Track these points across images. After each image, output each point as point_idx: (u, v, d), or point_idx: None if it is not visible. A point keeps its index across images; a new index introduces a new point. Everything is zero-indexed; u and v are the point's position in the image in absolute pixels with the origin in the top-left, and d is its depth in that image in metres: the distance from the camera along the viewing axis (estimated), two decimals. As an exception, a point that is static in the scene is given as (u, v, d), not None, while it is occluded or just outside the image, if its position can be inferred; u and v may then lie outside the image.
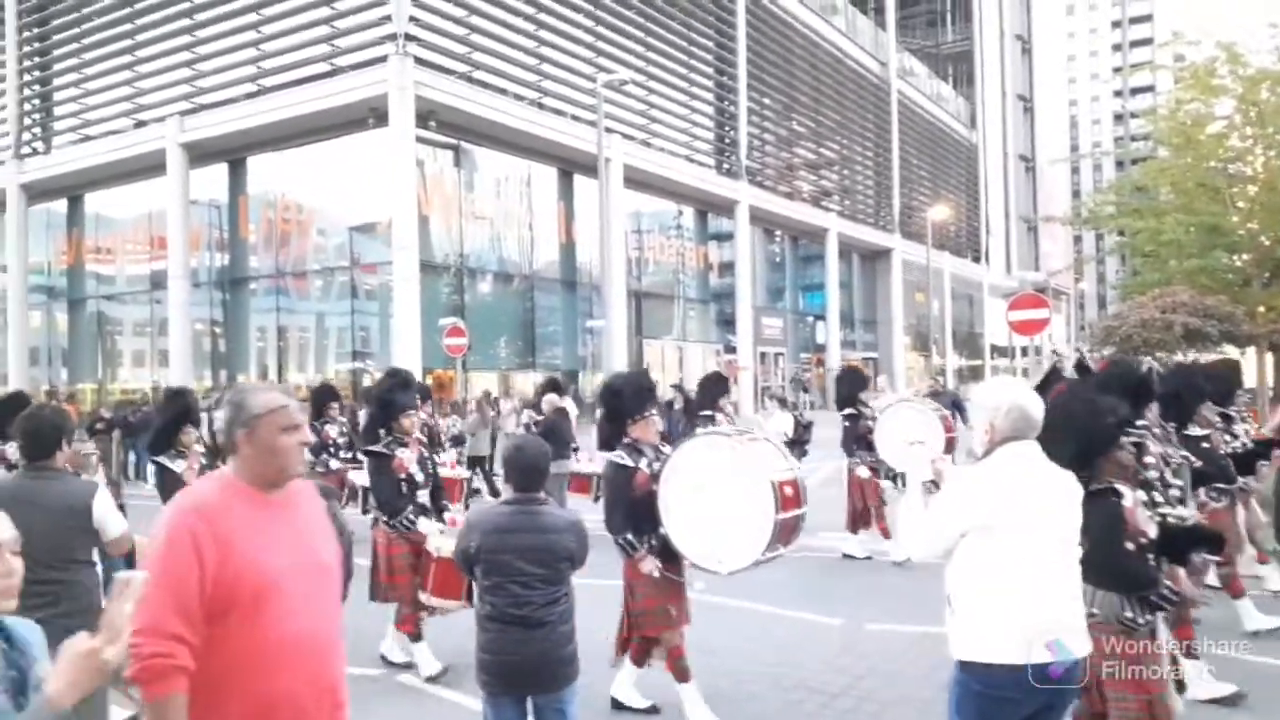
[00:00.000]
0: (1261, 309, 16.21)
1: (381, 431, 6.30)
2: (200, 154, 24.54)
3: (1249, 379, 15.05)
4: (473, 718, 4.86)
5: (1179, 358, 14.42)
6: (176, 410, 6.54)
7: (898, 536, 7.69)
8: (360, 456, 8.76)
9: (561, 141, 24.37)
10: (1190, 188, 18.44)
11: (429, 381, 21.32)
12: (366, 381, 23.63)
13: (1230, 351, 14.66)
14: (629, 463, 5.12)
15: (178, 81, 24.76)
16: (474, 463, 13.65)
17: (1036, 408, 3.17)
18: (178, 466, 6.19)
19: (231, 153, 24.66)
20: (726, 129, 32.15)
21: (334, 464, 10.20)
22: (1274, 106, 17.66)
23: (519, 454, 3.89)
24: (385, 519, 6.09)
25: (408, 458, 6.15)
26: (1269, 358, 14.69)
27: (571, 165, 25.73)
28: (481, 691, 3.85)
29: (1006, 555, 3.00)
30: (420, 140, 21.68)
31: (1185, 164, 18.83)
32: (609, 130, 22.61)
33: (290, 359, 25.78)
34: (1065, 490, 3.17)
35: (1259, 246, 17.71)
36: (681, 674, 5.04)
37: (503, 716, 3.75)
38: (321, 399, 10.94)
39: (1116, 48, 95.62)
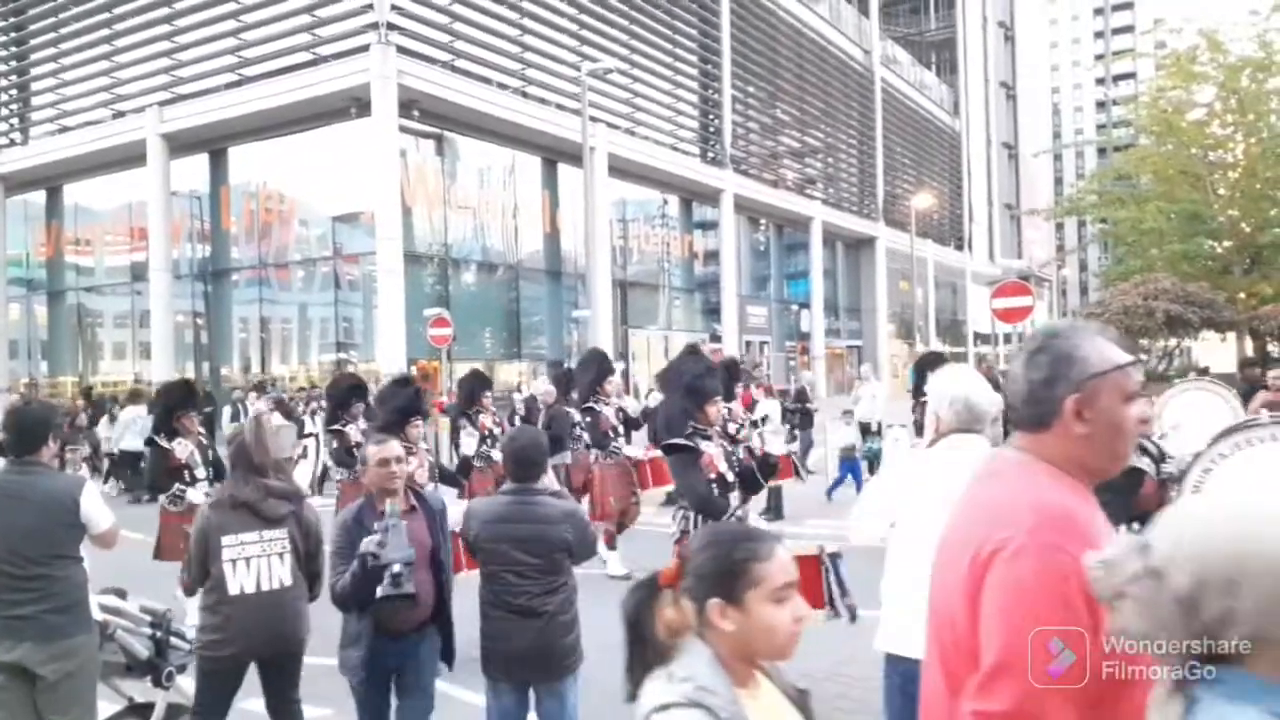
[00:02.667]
0: (1242, 295, 16.37)
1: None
2: (180, 144, 24.30)
3: (1229, 364, 15.20)
4: (470, 710, 4.87)
5: (1161, 343, 14.57)
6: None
7: None
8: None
9: (546, 130, 24.27)
10: (1171, 175, 18.58)
11: (413, 372, 21.27)
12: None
13: (1211, 337, 14.80)
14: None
15: (157, 71, 24.48)
16: None
17: (983, 400, 3.09)
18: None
19: (212, 143, 24.43)
20: (711, 117, 32.09)
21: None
22: (1254, 94, 17.80)
23: (514, 445, 3.91)
24: None
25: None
26: (1249, 343, 14.79)
27: (556, 154, 25.64)
28: (485, 679, 3.88)
29: (913, 548, 2.92)
30: (403, 130, 21.54)
31: (1166, 151, 18.96)
32: (593, 119, 22.53)
33: (273, 351, 25.62)
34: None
35: (1239, 233, 17.87)
36: None
37: (502, 703, 3.78)
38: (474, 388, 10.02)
39: (1099, 35, 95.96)
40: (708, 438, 5.05)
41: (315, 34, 22.12)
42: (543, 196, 26.47)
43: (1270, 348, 14.58)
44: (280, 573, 3.89)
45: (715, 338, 32.97)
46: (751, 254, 37.14)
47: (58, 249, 28.91)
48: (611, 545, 8.15)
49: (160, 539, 7.11)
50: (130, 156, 24.48)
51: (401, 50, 20.86)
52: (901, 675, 2.95)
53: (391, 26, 20.67)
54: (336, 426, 8.39)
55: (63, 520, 3.82)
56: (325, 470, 13.08)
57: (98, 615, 4.06)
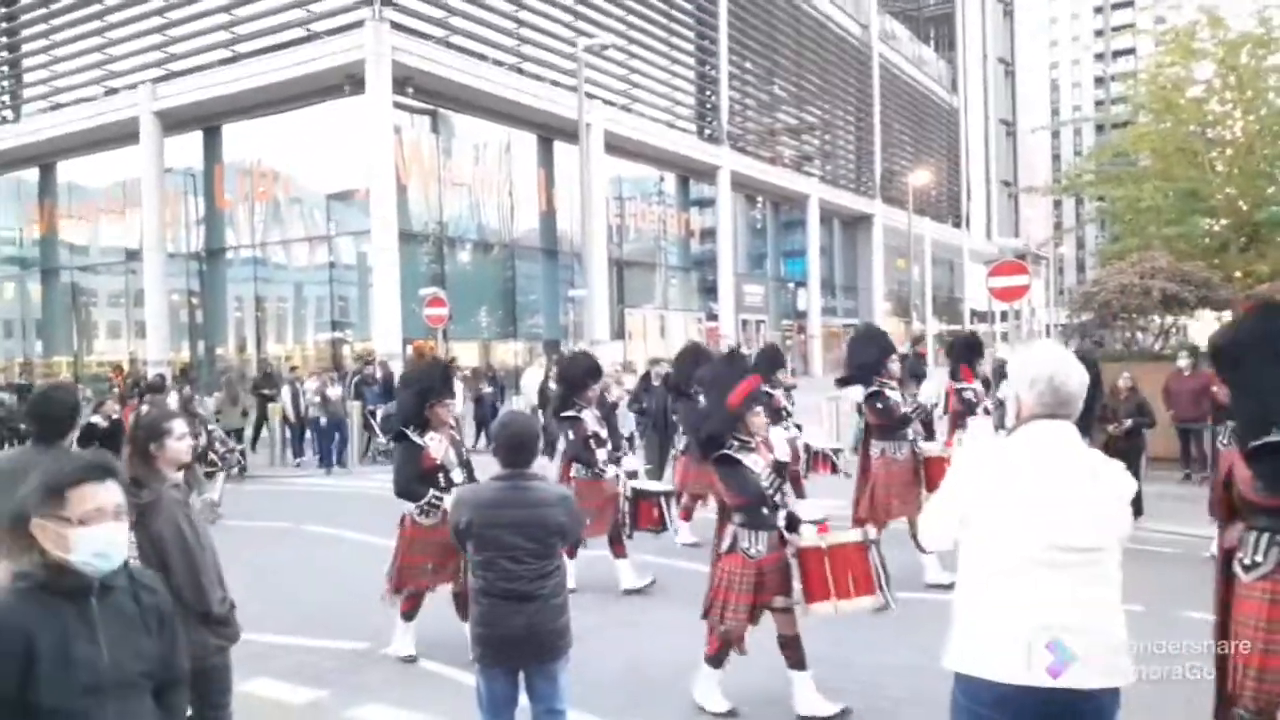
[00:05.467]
0: (1238, 274, 16.35)
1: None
2: (174, 122, 24.14)
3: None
4: (462, 690, 4.89)
5: (1157, 321, 14.57)
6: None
7: None
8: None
9: (541, 107, 24.13)
10: (1169, 153, 18.49)
11: (409, 352, 21.27)
12: (346, 352, 23.55)
13: (1207, 316, 14.80)
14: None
15: (150, 48, 24.29)
16: None
17: (1072, 381, 2.68)
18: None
19: (206, 120, 24.25)
20: (708, 94, 31.91)
21: None
22: (1253, 70, 17.69)
23: (506, 430, 3.91)
24: None
25: None
26: (1245, 322, 14.83)
27: (551, 131, 25.50)
28: (476, 664, 3.88)
29: (990, 551, 2.61)
30: (398, 106, 21.40)
31: (1165, 129, 18.86)
32: (589, 96, 22.39)
33: (269, 330, 25.57)
34: (1098, 484, 2.63)
35: (1236, 211, 17.83)
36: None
37: (494, 687, 3.80)
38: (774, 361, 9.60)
39: (1098, 10, 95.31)
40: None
41: (309, 10, 21.93)
42: (538, 174, 26.35)
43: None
44: None
45: (712, 316, 32.97)
46: (748, 232, 37.07)
47: (51, 227, 28.78)
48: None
49: (399, 560, 5.79)
50: (123, 134, 24.32)
51: (396, 26, 20.70)
52: (971, 698, 2.60)
53: (386, 2, 20.51)
54: (570, 413, 7.42)
55: None
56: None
57: None
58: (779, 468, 4.89)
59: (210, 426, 13.44)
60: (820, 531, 4.76)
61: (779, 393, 9.06)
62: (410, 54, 20.85)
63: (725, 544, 4.83)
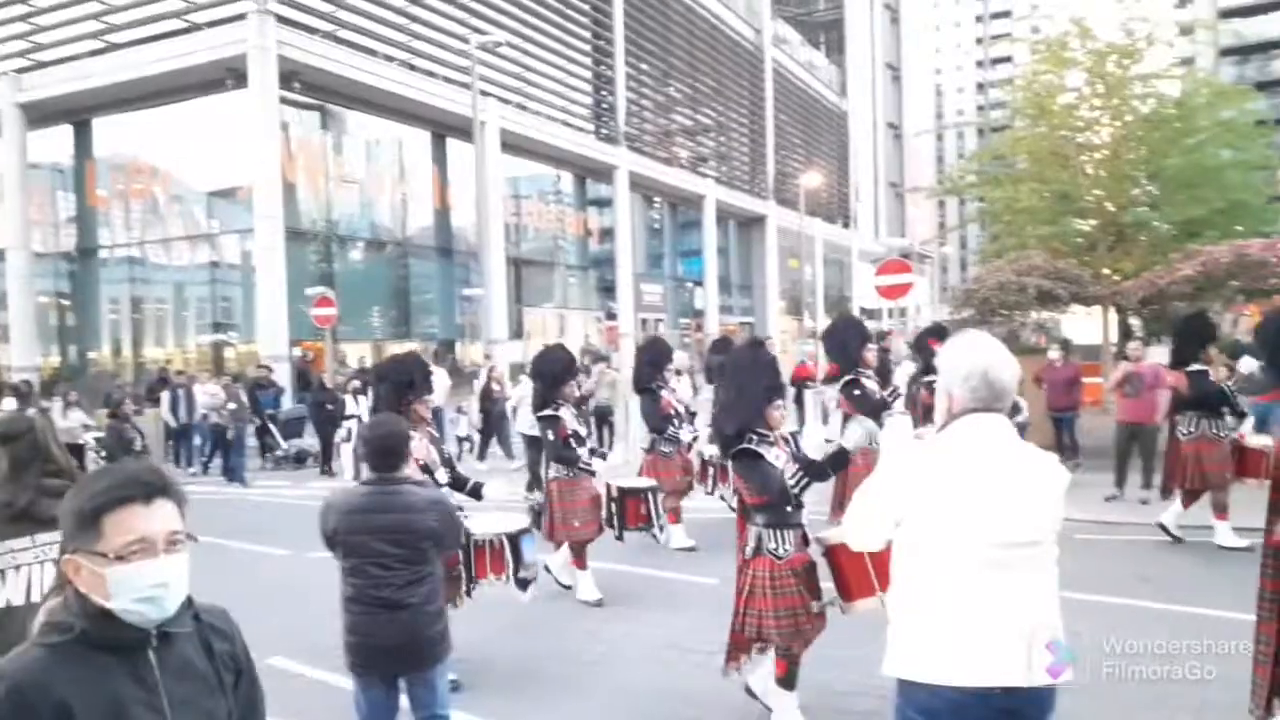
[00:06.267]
0: (1106, 271, 17.16)
1: None
2: (40, 114, 22.88)
3: (1095, 336, 16.01)
4: (340, 695, 4.76)
5: (1033, 317, 15.21)
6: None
7: None
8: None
9: (434, 104, 23.74)
10: (1044, 156, 19.28)
11: (297, 354, 20.67)
12: (230, 354, 22.74)
13: (1078, 311, 15.54)
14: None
15: (13, 36, 22.96)
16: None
17: (1006, 374, 2.59)
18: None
19: (75, 114, 23.07)
20: (604, 94, 31.95)
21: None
22: (1119, 79, 18.59)
23: (374, 433, 3.80)
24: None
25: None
26: (1113, 316, 15.60)
27: (445, 128, 25.12)
28: (350, 672, 3.77)
29: (931, 552, 2.51)
30: (284, 102, 20.75)
31: (1039, 133, 19.65)
32: (484, 93, 22.15)
33: (146, 333, 24.46)
34: (1035, 477, 2.59)
35: (1104, 212, 18.71)
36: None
37: (372, 697, 3.70)
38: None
39: (979, 19, 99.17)
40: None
41: (188, 0, 21.07)
42: (432, 171, 25.93)
43: (1131, 321, 15.38)
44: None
45: (611, 315, 33.04)
46: (646, 231, 37.28)
47: (-95, 225, 26.88)
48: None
49: None
50: (-16, 126, 22.93)
51: (281, 20, 20.06)
52: (915, 705, 2.51)
53: (269, -7, 19.86)
54: (549, 412, 6.95)
55: None
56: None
57: None
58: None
59: (85, 439, 12.81)
60: None
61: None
62: (296, 48, 20.25)
63: (750, 547, 4.53)
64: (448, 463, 5.57)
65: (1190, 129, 18.75)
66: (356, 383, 14.55)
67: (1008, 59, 59.00)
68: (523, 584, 5.35)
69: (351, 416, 13.41)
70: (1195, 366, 8.10)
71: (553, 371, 7.06)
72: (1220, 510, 7.96)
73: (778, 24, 46.50)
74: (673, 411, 8.66)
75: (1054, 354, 11.53)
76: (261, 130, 19.95)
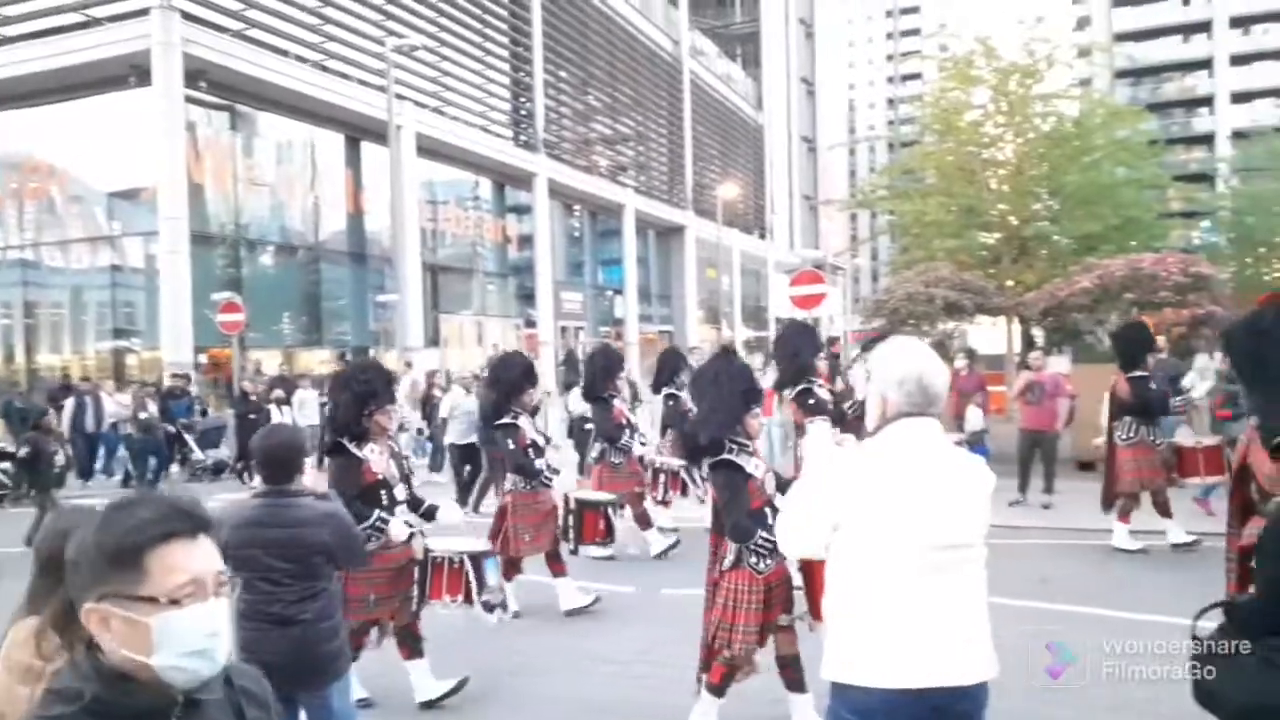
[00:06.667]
0: (1010, 283, 17.81)
1: None
2: (-75, 108, 21.70)
3: (999, 346, 16.56)
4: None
5: (940, 327, 15.65)
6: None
7: None
8: None
9: (348, 107, 23.29)
10: (951, 171, 19.92)
11: (204, 360, 20.03)
12: (132, 361, 21.89)
13: (983, 321, 16.08)
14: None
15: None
16: None
17: (940, 380, 2.67)
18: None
19: (-36, 108, 21.95)
20: (523, 100, 31.81)
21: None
22: (1022, 97, 19.33)
23: (266, 443, 3.68)
24: None
25: None
26: (1016, 327, 16.18)
27: (359, 132, 24.66)
28: None
29: (868, 556, 2.56)
30: (190, 101, 20.11)
31: (946, 149, 20.31)
32: (400, 97, 21.83)
33: (41, 339, 23.35)
34: (967, 481, 2.66)
35: (1008, 226, 19.42)
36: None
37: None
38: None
39: (890, 36, 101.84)
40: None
41: (87, -7, 20.28)
42: (346, 175, 25.42)
43: (1034, 331, 15.96)
44: None
45: (530, 324, 32.85)
46: (566, 239, 37.21)
47: None
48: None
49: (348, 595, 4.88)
50: None
51: (186, 16, 19.44)
52: (849, 706, 2.55)
53: (175, -11, 19.24)
54: (507, 420, 6.72)
55: None
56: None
57: None
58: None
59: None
60: None
61: (685, 395, 8.88)
62: (203, 46, 19.64)
63: (729, 559, 4.37)
64: (406, 479, 5.26)
65: (1088, 147, 19.61)
66: (279, 392, 14.19)
67: (917, 76, 60.73)
68: (488, 607, 5.17)
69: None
70: (1137, 373, 8.30)
71: (511, 378, 6.83)
72: (1163, 510, 8.18)
73: (695, 35, 46.98)
74: (625, 421, 8.60)
75: (960, 363, 11.88)
76: (166, 130, 19.29)
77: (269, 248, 23.89)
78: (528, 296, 33.35)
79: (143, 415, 13.87)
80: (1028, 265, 18.88)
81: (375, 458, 5.03)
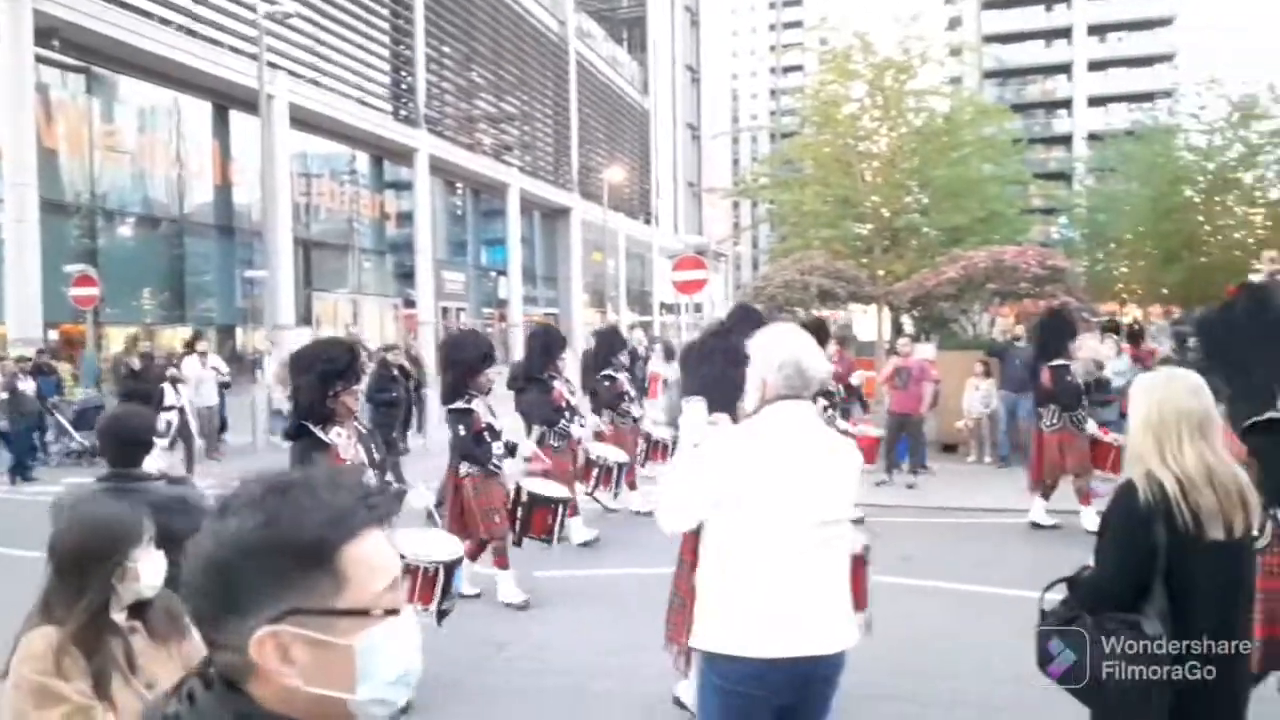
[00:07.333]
0: (881, 272, 18.42)
1: None
2: None
3: (870, 333, 17.14)
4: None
5: (815, 313, 16.07)
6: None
7: None
8: None
9: (217, 74, 22.22)
10: (828, 163, 20.44)
11: (55, 337, 18.86)
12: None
13: (855, 309, 16.60)
14: None
15: None
16: None
17: (816, 364, 2.81)
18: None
19: None
20: (404, 74, 31.00)
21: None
22: (896, 92, 19.96)
23: (113, 423, 3.46)
24: None
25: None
26: (886, 314, 16.77)
27: (228, 100, 23.57)
28: None
29: (748, 532, 2.67)
30: (41, 61, 18.82)
31: (825, 140, 20.81)
32: (272, 65, 20.93)
33: None
34: (837, 461, 2.81)
35: (881, 217, 20.08)
36: None
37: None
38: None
39: (773, 27, 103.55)
40: None
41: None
42: (213, 145, 24.29)
43: (903, 319, 16.56)
44: None
45: (409, 303, 32.16)
46: (448, 218, 36.53)
47: None
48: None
49: None
50: None
51: (36, -32, 18.15)
52: (724, 676, 2.68)
53: (23, -62, 17.92)
54: (460, 404, 6.42)
55: None
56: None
57: None
58: None
59: None
60: None
61: (623, 376, 9.12)
62: (55, 3, 18.37)
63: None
64: (378, 463, 4.91)
65: (957, 143, 20.43)
66: (175, 370, 13.45)
67: (799, 68, 62.08)
68: (442, 614, 4.94)
69: (171, 408, 12.26)
70: (1059, 361, 8.53)
71: (467, 360, 6.52)
72: (1082, 496, 8.44)
73: (581, 17, 46.70)
74: (564, 404, 8.39)
75: (830, 349, 12.20)
76: (12, 90, 17.98)
77: (129, 219, 22.62)
78: (407, 275, 32.61)
79: (4, 396, 12.84)
80: (898, 255, 19.57)
81: (343, 442, 4.72)
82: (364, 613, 1.07)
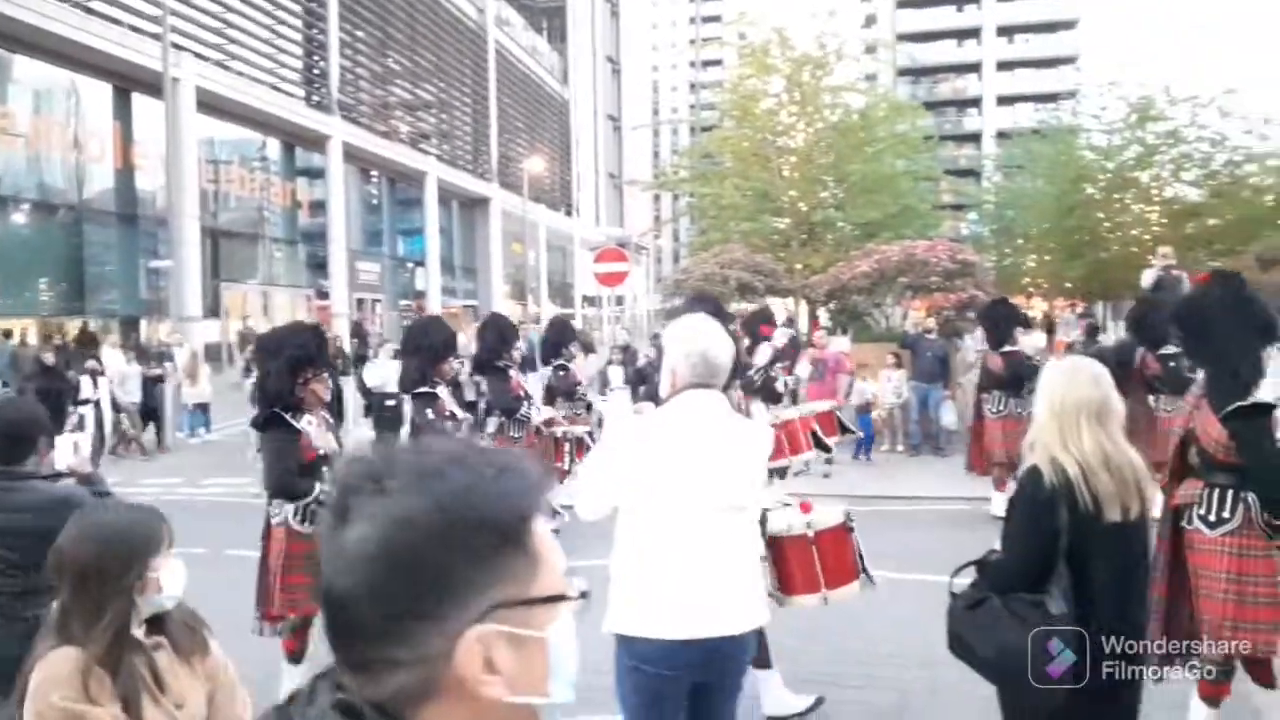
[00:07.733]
0: (799, 266, 18.70)
1: None
2: None
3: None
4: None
5: (734, 306, 16.23)
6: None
7: None
8: None
9: (117, 54, 21.30)
10: (747, 157, 20.65)
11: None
12: None
13: (773, 301, 16.81)
14: None
15: None
16: None
17: (723, 354, 2.89)
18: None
19: None
20: (316, 59, 30.22)
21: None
22: (813, 88, 20.26)
23: (2, 417, 3.29)
24: None
25: None
26: (804, 307, 17.05)
27: (130, 83, 22.64)
28: None
29: (656, 516, 2.77)
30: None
31: (743, 135, 21.02)
32: (178, 47, 20.20)
33: None
34: (743, 447, 2.92)
35: (797, 212, 20.38)
36: None
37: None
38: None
39: (693, 20, 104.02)
40: None
41: None
42: (114, 129, 23.29)
43: (819, 312, 16.85)
44: None
45: (322, 294, 31.42)
46: (363, 207, 35.79)
47: None
48: None
49: (276, 580, 4.47)
50: None
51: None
52: (638, 657, 2.76)
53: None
54: (425, 389, 6.34)
55: None
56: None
57: None
58: None
59: None
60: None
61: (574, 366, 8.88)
62: (-60, -27, 17.43)
63: None
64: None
65: (871, 139, 20.84)
66: (94, 363, 12.85)
67: (718, 62, 62.46)
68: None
69: (86, 401, 11.73)
70: (1007, 348, 8.70)
71: (433, 346, 6.48)
72: (999, 484, 8.50)
73: (500, 5, 46.17)
74: (523, 393, 8.24)
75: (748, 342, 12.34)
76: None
77: (23, 205, 21.56)
78: (320, 266, 31.85)
79: None
80: (815, 249, 19.88)
81: (314, 430, 4.61)
82: (560, 598, 0.90)
